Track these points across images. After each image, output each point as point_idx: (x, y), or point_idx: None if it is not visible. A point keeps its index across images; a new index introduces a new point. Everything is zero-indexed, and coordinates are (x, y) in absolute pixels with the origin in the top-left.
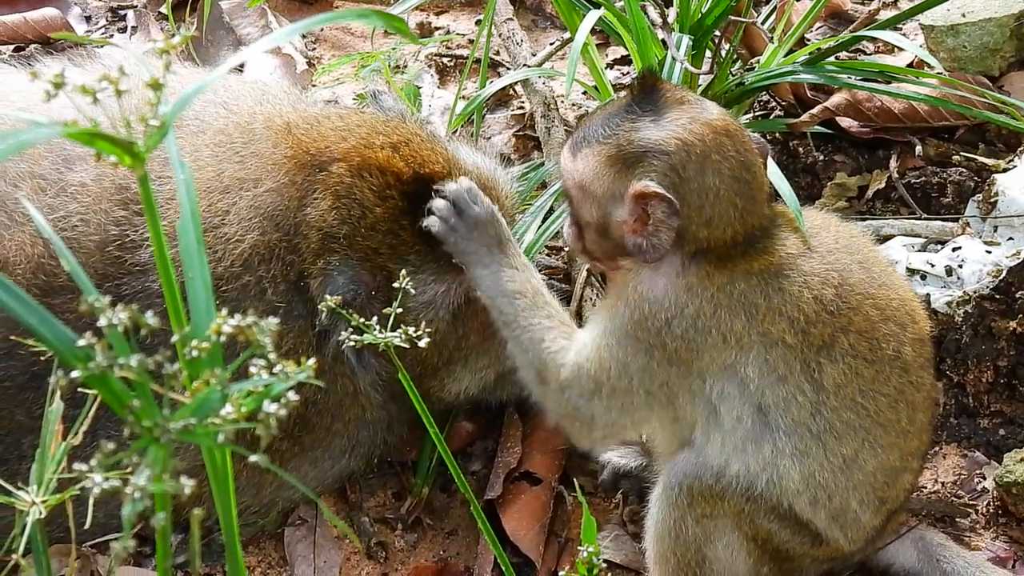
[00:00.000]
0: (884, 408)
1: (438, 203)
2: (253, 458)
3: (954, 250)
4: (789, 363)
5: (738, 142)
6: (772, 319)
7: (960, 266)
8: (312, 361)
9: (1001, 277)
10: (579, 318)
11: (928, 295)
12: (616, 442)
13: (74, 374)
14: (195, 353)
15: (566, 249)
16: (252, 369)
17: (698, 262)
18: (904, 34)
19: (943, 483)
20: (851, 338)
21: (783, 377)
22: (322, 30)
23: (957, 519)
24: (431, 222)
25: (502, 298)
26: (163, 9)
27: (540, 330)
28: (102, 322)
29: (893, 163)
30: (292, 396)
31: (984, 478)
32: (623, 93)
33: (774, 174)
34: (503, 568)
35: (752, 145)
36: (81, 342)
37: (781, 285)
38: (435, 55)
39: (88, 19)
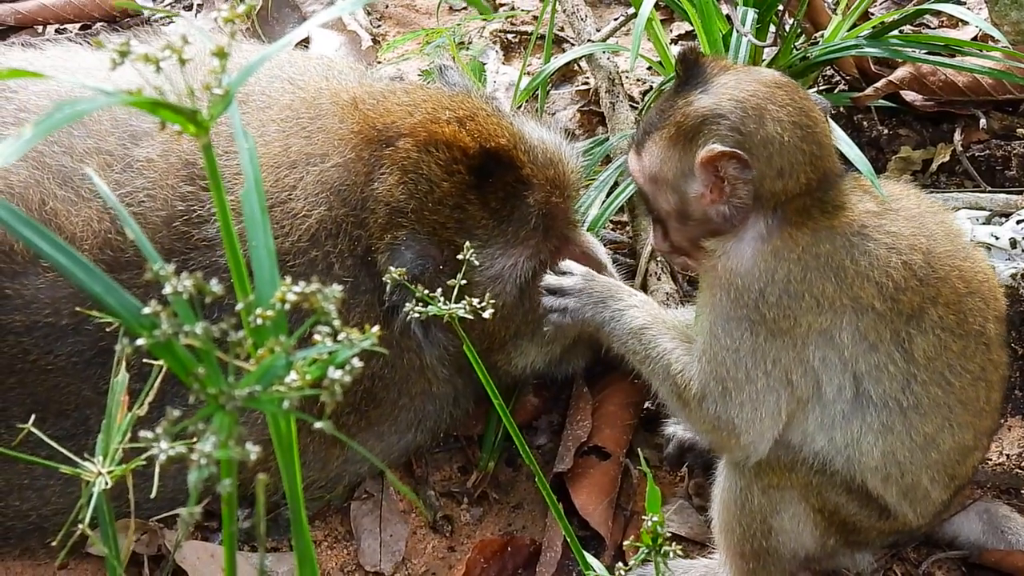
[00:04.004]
0: (967, 385)
1: (543, 301)
2: (318, 425)
3: (1018, 223)
4: (879, 331)
5: (792, 91)
6: (861, 283)
7: None
8: (376, 328)
9: None
10: (644, 291)
11: (993, 268)
12: (768, 443)
13: (139, 342)
14: (259, 321)
15: (630, 223)
16: (316, 337)
17: (780, 224)
18: (968, 7)
19: (1008, 455)
20: (940, 310)
21: (874, 345)
22: (387, 7)
23: (1022, 491)
24: (550, 320)
25: (631, 339)
26: None
27: (666, 355)
28: (167, 290)
29: (957, 136)
30: (356, 363)
31: None
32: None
33: (842, 140)
34: (570, 542)
35: (808, 96)
36: (146, 310)
37: (867, 247)
38: (500, 31)
39: None
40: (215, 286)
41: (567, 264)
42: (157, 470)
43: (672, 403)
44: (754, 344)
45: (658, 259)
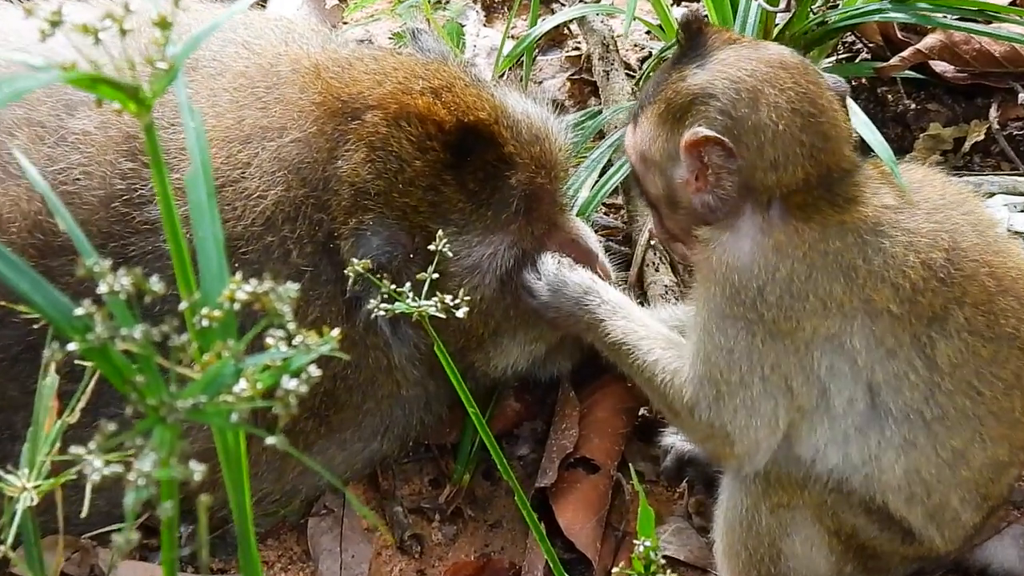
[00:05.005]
0: (999, 395)
1: (524, 299)
2: (270, 440)
3: None
4: (897, 336)
5: (798, 75)
6: (874, 285)
7: None
8: (336, 331)
9: None
10: (640, 283)
11: None
12: (766, 454)
13: (71, 346)
14: (206, 322)
15: (625, 207)
16: (269, 340)
17: (783, 217)
18: None
19: None
20: (966, 311)
21: (892, 351)
22: None
23: None
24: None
25: (612, 353)
26: None
27: (653, 364)
28: (102, 288)
29: (993, 112)
30: (314, 371)
31: None
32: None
33: (861, 123)
34: (552, 566)
35: (820, 79)
36: (79, 310)
37: (882, 245)
38: None
39: None
40: (156, 284)
41: (541, 261)
42: (89, 487)
43: (669, 416)
44: (750, 345)
45: (656, 248)
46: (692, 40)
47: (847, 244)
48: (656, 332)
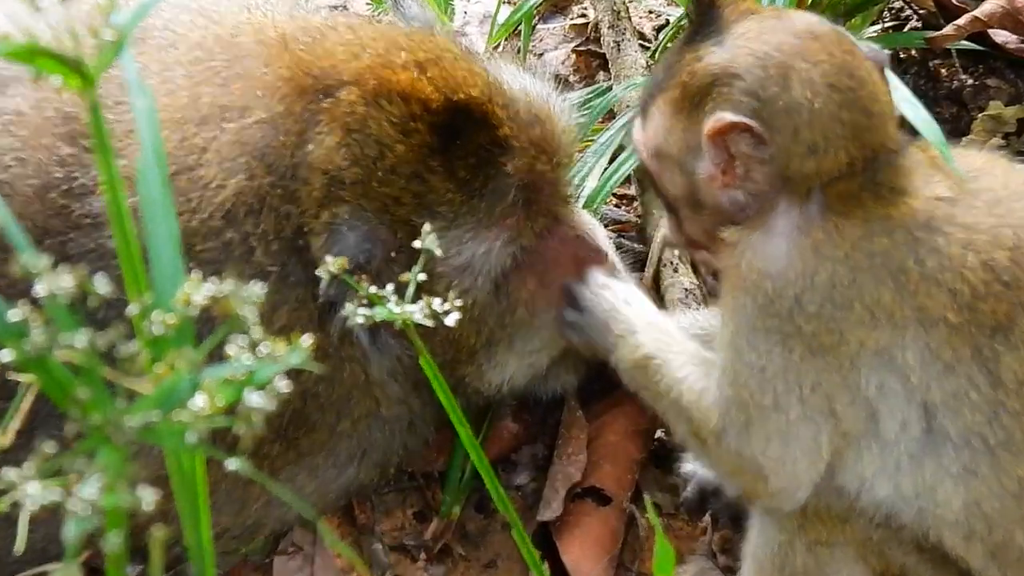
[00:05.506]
0: None
1: (561, 312)
2: (231, 465)
3: None
4: (956, 349)
5: (831, 44)
6: (928, 290)
7: None
8: (308, 339)
9: None
10: (656, 285)
11: None
12: (807, 489)
13: (3, 356)
14: (158, 329)
15: (638, 198)
16: (231, 350)
17: (822, 212)
18: None
19: None
20: None
21: (950, 367)
22: None
23: None
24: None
25: (636, 372)
26: None
27: (678, 384)
28: (40, 289)
29: None
30: (281, 385)
31: None
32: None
33: (903, 98)
34: None
35: (855, 48)
36: (13, 314)
37: (936, 244)
38: None
39: None
40: (102, 285)
41: (590, 271)
42: (25, 518)
43: (692, 445)
44: (786, 363)
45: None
46: (705, 14)
47: (895, 243)
48: (694, 350)
